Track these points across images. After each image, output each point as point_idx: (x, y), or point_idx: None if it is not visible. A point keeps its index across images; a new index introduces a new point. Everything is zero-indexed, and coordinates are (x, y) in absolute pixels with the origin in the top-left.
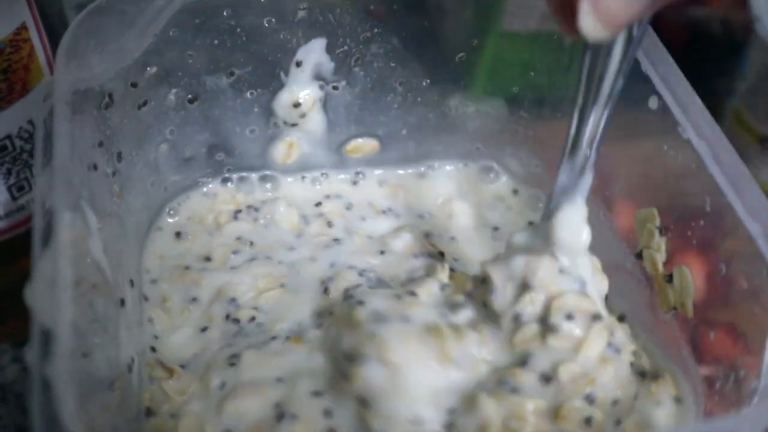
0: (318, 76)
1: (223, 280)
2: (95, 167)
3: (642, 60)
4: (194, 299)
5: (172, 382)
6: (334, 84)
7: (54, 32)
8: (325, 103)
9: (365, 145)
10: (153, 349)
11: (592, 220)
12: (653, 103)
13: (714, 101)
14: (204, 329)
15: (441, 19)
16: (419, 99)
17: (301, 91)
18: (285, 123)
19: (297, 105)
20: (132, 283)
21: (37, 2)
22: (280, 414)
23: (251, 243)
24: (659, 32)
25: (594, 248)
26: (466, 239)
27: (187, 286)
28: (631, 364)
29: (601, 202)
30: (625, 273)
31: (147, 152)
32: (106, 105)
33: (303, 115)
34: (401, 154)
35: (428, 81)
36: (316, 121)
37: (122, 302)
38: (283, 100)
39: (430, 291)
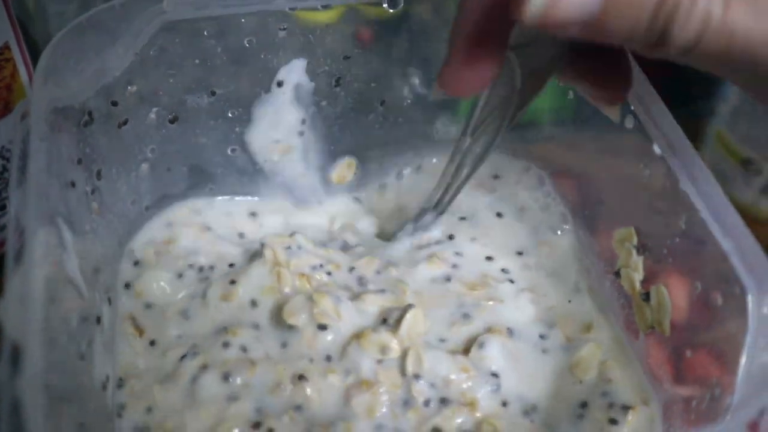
0: (299, 96)
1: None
2: (73, 184)
3: None
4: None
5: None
6: (316, 104)
7: (38, 51)
8: (306, 125)
9: (347, 166)
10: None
11: (574, 239)
12: (629, 122)
13: (697, 123)
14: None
15: (424, 40)
16: (400, 119)
17: (281, 117)
18: (265, 161)
19: (276, 141)
20: (110, 300)
21: (20, 22)
22: None
23: None
24: (645, 59)
25: (575, 268)
26: None
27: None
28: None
29: (582, 221)
30: (605, 291)
31: (127, 170)
32: (85, 123)
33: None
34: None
35: (409, 101)
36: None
37: (98, 319)
38: (259, 140)
39: None
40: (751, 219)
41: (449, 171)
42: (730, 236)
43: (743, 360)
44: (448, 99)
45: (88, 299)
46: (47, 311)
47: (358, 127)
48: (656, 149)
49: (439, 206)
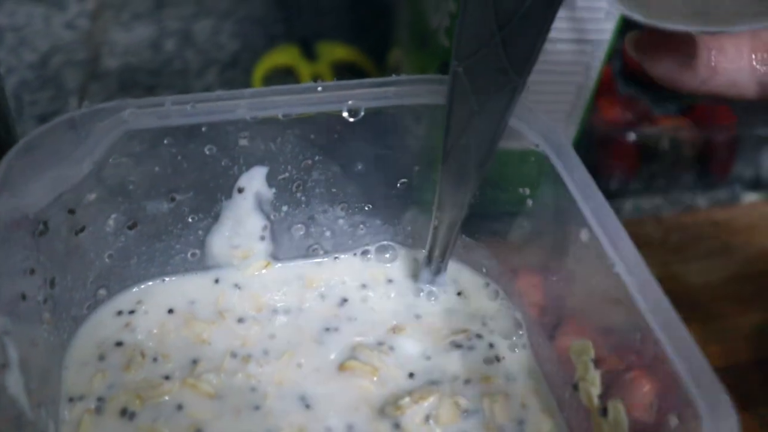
0: (260, 203)
1: None
2: (24, 297)
3: (574, 193)
4: None
5: None
6: (276, 210)
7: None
8: (267, 230)
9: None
10: None
11: (536, 348)
12: (585, 235)
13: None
14: None
15: (385, 142)
16: (362, 225)
17: (242, 222)
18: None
19: (237, 246)
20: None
21: None
22: None
23: None
24: (610, 151)
25: (535, 376)
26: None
27: None
28: None
29: (541, 329)
30: (564, 403)
31: (84, 277)
32: (40, 232)
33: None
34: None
35: (371, 206)
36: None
37: None
38: (220, 245)
39: None
40: None
41: (433, 223)
42: (682, 358)
43: None
44: (407, 202)
45: (32, 418)
46: None
47: (320, 231)
48: (611, 266)
49: (431, 262)
